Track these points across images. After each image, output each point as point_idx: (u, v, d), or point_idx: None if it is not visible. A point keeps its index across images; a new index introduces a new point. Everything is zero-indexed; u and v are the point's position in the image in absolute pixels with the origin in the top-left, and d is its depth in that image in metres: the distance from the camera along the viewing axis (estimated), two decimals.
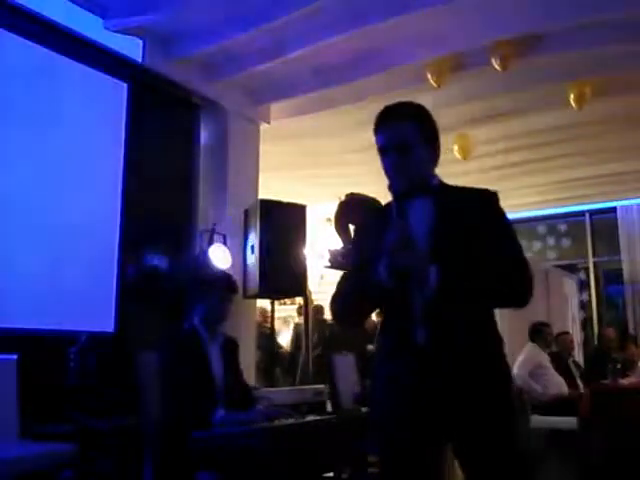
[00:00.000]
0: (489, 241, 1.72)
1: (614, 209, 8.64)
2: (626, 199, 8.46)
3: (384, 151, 1.80)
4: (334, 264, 5.00)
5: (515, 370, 5.51)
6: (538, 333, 5.64)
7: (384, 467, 1.75)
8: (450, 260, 1.66)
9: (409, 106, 1.85)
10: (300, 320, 7.63)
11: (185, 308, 3.98)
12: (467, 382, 1.65)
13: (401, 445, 1.70)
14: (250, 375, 4.50)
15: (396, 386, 1.70)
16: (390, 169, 1.80)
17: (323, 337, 7.22)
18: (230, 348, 3.08)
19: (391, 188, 1.77)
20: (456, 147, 6.12)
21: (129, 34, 4.52)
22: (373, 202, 4.74)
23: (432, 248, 1.69)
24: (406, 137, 1.78)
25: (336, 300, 1.86)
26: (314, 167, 7.12)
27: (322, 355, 6.68)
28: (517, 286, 1.73)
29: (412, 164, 1.78)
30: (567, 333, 6.22)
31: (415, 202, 1.76)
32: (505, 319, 5.80)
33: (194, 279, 3.93)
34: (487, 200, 1.80)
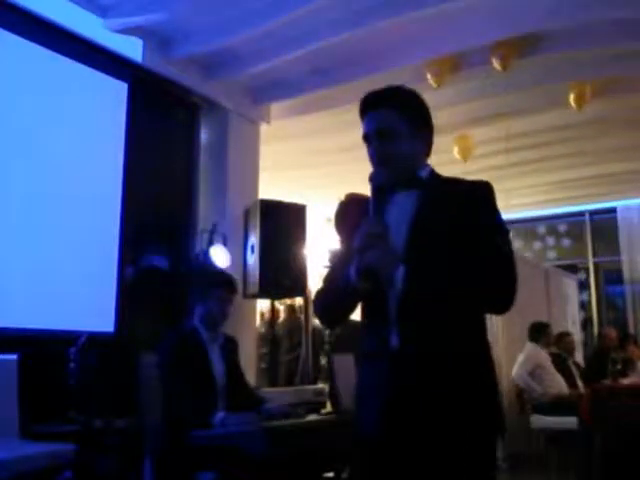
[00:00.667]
0: (474, 238, 1.56)
1: (614, 209, 8.64)
2: (626, 199, 8.46)
3: (367, 138, 1.68)
4: None
5: (515, 370, 5.51)
6: (539, 333, 5.64)
7: None
8: (427, 259, 1.54)
9: (396, 90, 1.71)
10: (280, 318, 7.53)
11: (185, 308, 3.98)
12: (438, 397, 1.51)
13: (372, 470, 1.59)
14: (250, 375, 4.50)
15: (370, 395, 1.60)
16: (373, 157, 1.67)
17: (299, 338, 7.00)
18: (230, 348, 3.08)
19: (371, 179, 1.59)
20: (456, 149, 6.12)
21: (129, 34, 4.52)
22: None
23: (408, 246, 1.57)
24: (390, 124, 1.64)
25: (318, 298, 1.76)
26: (314, 167, 7.12)
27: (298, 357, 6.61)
28: (497, 288, 1.55)
29: (396, 154, 1.64)
30: (568, 334, 6.22)
31: (397, 196, 1.64)
32: (505, 319, 5.83)
33: (194, 279, 3.93)
34: (478, 192, 1.64)
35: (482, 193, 1.64)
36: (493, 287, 1.54)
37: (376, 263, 1.49)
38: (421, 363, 1.53)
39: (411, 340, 1.54)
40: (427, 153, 1.74)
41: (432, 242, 1.56)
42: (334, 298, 1.69)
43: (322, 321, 1.80)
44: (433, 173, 1.72)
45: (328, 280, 1.76)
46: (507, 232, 1.63)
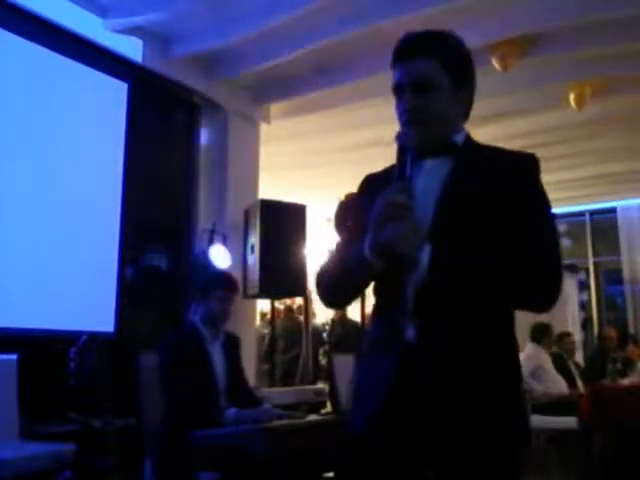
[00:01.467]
0: (515, 218, 1.33)
1: (614, 209, 8.64)
2: (626, 199, 8.45)
3: (398, 90, 1.42)
4: None
5: None
6: (541, 334, 5.63)
7: None
8: (457, 239, 1.30)
9: (439, 36, 1.45)
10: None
11: (185, 308, 3.99)
12: (453, 408, 1.28)
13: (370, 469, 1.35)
14: (250, 375, 4.50)
15: (368, 391, 1.38)
16: (403, 113, 1.41)
17: (295, 338, 6.96)
18: (232, 345, 3.08)
19: (398, 138, 1.36)
20: None
21: (129, 34, 4.52)
22: None
23: (436, 222, 1.33)
24: (429, 75, 1.39)
25: (322, 278, 1.50)
26: (314, 167, 7.12)
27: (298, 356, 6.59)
28: (539, 279, 1.30)
29: (432, 111, 1.40)
30: (569, 334, 6.21)
31: (427, 162, 1.41)
32: None
33: (195, 279, 3.93)
34: (523, 165, 1.41)
35: (528, 167, 1.42)
36: (535, 280, 1.30)
37: (397, 239, 1.25)
38: (438, 364, 1.30)
39: (430, 335, 1.31)
40: (466, 115, 1.54)
41: (465, 220, 1.33)
42: (342, 275, 1.45)
43: (325, 300, 1.52)
44: (469, 139, 1.50)
45: (337, 254, 1.53)
46: (554, 216, 1.42)
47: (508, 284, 1.32)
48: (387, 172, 1.45)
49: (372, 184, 1.50)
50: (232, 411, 2.69)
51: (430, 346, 1.31)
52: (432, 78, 1.39)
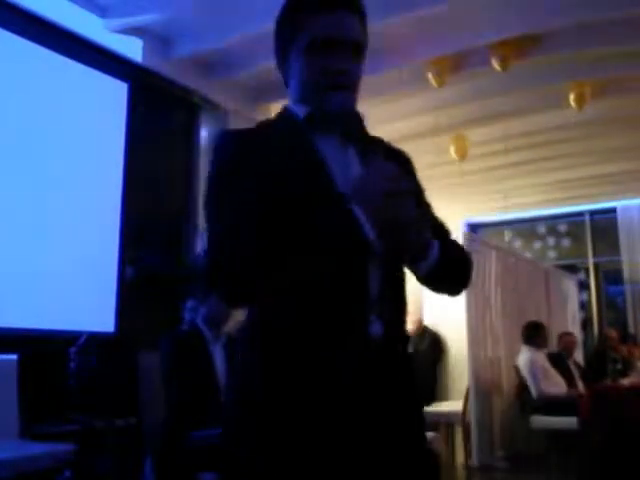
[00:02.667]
0: (426, 208, 1.32)
1: (614, 209, 8.64)
2: (626, 199, 8.46)
3: (331, 43, 1.21)
4: None
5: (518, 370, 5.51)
6: (533, 334, 5.60)
7: None
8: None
9: None
10: None
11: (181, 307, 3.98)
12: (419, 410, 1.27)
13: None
14: None
15: (326, 389, 1.12)
16: (338, 75, 1.22)
17: None
18: (233, 347, 3.07)
19: (337, 103, 1.20)
20: (452, 148, 6.13)
21: (129, 34, 4.53)
22: None
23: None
24: (362, 36, 1.27)
25: (227, 265, 1.09)
26: None
27: None
28: (470, 265, 1.32)
29: (359, 78, 1.27)
30: (569, 334, 6.21)
31: (333, 139, 1.24)
32: (505, 319, 5.83)
33: (195, 279, 3.93)
34: (410, 162, 1.36)
35: (412, 165, 1.36)
36: (468, 266, 1.31)
37: (410, 221, 1.08)
38: (401, 360, 1.22)
39: (394, 330, 1.19)
40: None
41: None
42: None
43: (233, 298, 1.20)
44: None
45: (242, 238, 1.09)
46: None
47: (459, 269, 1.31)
48: (262, 133, 1.25)
49: (249, 144, 1.21)
50: None
51: (396, 342, 1.20)
52: (364, 41, 1.27)
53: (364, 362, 1.14)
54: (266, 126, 1.28)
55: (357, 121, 1.28)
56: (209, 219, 1.16)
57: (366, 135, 1.32)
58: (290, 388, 1.12)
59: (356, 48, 1.24)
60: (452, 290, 1.32)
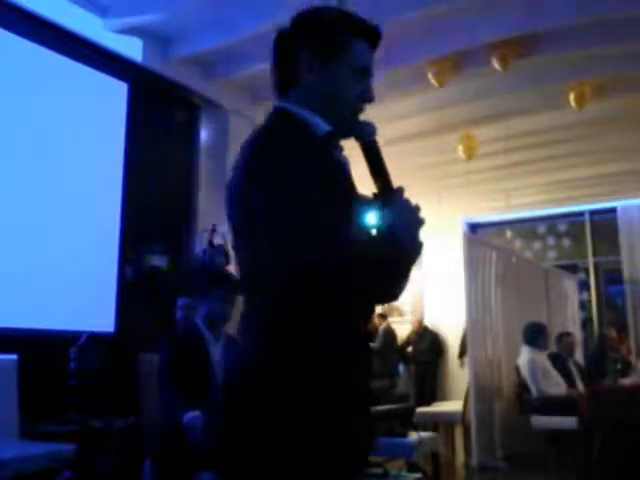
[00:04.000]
0: None
1: (614, 209, 8.64)
2: (626, 199, 8.46)
3: (365, 72, 1.34)
4: None
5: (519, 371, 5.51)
6: (535, 335, 5.59)
7: None
8: None
9: None
10: None
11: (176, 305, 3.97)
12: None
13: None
14: None
15: (357, 405, 1.24)
16: (367, 100, 1.34)
17: None
18: (234, 346, 3.06)
19: (361, 128, 1.30)
20: (461, 147, 6.12)
21: (129, 34, 4.53)
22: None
23: None
24: None
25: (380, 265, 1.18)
26: None
27: None
28: None
29: None
30: (569, 334, 6.21)
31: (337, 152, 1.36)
32: (505, 319, 5.83)
33: (196, 278, 3.93)
34: None
35: None
36: None
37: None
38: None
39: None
40: None
41: None
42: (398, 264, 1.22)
43: (389, 294, 1.25)
44: None
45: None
46: None
47: None
48: (316, 143, 1.29)
49: (313, 156, 1.25)
50: (190, 415, 2.62)
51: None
52: None
53: (368, 369, 1.28)
54: (295, 137, 1.28)
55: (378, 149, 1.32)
56: (305, 217, 1.14)
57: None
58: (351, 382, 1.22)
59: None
60: None
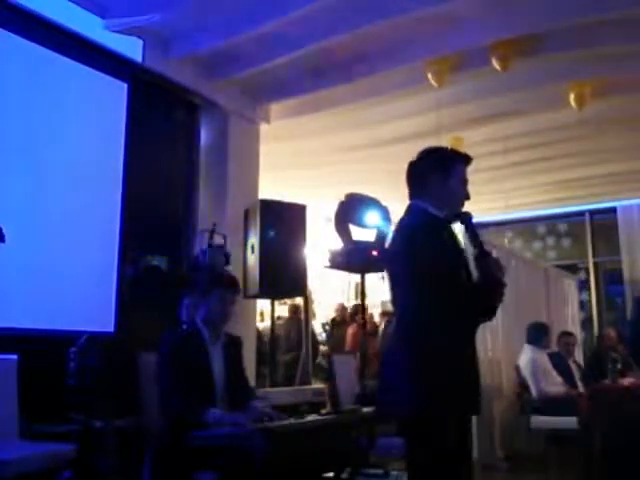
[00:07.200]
0: None
1: (614, 209, 8.65)
2: (626, 199, 8.46)
3: (466, 182, 2.25)
4: (334, 264, 4.99)
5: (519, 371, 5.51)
6: (538, 335, 5.60)
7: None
8: None
9: None
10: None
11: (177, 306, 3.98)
12: None
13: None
14: (250, 375, 4.50)
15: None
16: (464, 199, 2.23)
17: (297, 338, 6.87)
18: (234, 346, 3.06)
19: (466, 218, 2.18)
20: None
21: (129, 34, 4.52)
22: (373, 202, 4.73)
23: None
24: None
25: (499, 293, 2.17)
26: (314, 167, 7.12)
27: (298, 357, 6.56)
28: None
29: None
30: (569, 334, 6.21)
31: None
32: (505, 319, 5.82)
33: (196, 278, 3.92)
34: None
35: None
36: None
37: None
38: None
39: None
40: None
41: None
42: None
43: (491, 312, 2.26)
44: None
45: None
46: None
47: None
48: (442, 223, 2.19)
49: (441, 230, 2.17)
50: (213, 414, 2.66)
51: None
52: None
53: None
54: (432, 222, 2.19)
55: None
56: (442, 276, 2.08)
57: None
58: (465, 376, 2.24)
59: None
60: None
